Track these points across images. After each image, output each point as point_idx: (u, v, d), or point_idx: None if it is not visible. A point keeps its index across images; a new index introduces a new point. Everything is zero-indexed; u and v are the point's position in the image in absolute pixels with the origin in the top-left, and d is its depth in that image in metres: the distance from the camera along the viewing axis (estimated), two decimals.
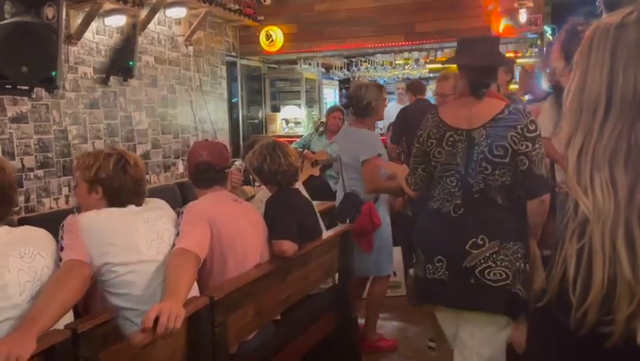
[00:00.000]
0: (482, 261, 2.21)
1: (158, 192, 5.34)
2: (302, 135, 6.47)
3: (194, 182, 2.67)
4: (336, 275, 3.34)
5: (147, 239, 2.10)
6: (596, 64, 1.16)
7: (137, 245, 2.05)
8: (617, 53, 1.14)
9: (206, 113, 6.34)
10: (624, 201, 1.09)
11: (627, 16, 1.16)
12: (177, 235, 2.22)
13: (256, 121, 8.05)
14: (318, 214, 3.34)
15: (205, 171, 2.59)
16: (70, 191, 4.48)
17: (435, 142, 2.38)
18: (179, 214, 2.35)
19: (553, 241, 1.18)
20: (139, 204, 2.19)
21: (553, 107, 3.34)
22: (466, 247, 2.23)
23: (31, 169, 4.29)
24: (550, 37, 7.59)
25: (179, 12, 5.49)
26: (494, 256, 2.21)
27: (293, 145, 5.88)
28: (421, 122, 3.39)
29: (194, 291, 2.15)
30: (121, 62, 4.03)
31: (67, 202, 4.52)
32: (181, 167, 5.88)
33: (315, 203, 4.28)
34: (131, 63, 4.11)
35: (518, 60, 7.10)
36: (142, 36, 5.25)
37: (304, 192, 3.26)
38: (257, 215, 2.66)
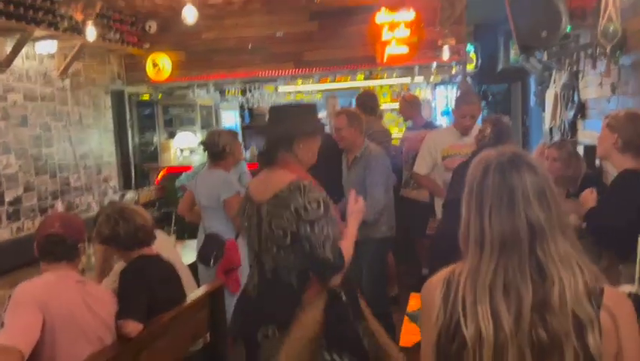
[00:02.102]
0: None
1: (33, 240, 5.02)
2: (196, 165, 6.27)
3: (41, 256, 2.49)
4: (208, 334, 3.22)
5: None
6: (470, 207, 1.33)
7: None
8: (483, 198, 1.30)
9: (89, 148, 6.01)
10: (510, 329, 1.21)
11: (489, 163, 1.33)
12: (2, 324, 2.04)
13: (151, 148, 7.74)
14: (188, 271, 3.24)
15: (55, 244, 2.43)
16: None
17: (241, 212, 2.35)
18: (9, 297, 2.17)
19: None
20: None
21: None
22: (258, 334, 2.16)
23: None
24: (474, 56, 7.84)
25: (49, 46, 5.15)
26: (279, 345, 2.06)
27: (182, 178, 5.63)
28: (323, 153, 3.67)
29: None
30: None
31: None
32: (60, 207, 5.53)
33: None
34: None
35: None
36: (7, 73, 4.89)
37: (167, 252, 3.12)
38: (103, 296, 2.49)
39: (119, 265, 2.94)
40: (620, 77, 4.14)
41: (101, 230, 2.73)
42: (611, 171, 3.66)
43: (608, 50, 3.85)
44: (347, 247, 2.17)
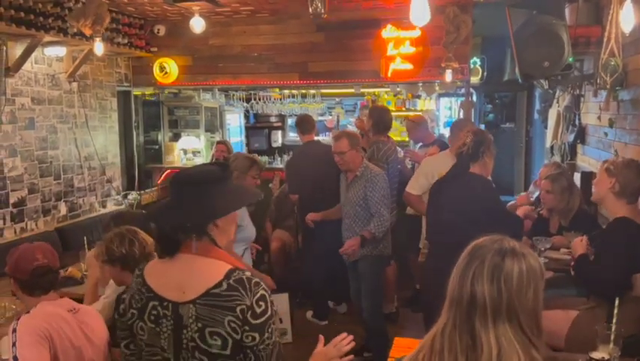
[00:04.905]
0: None
1: (36, 241, 5.10)
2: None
3: (28, 291, 2.44)
4: None
5: None
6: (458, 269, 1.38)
7: None
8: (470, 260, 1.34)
9: (94, 149, 6.09)
10: None
11: (484, 245, 1.36)
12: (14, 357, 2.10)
13: (156, 147, 7.84)
14: None
15: (42, 276, 2.41)
16: None
17: (136, 313, 1.75)
18: (13, 331, 2.22)
19: None
20: None
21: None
22: None
23: None
24: (480, 68, 7.90)
25: (58, 51, 5.22)
26: None
27: None
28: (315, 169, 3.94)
29: None
30: None
31: None
32: (63, 209, 5.63)
33: None
34: None
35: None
36: (16, 77, 4.96)
37: None
38: (95, 323, 2.55)
39: (112, 289, 2.95)
40: (618, 111, 4.19)
41: (114, 249, 2.68)
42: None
43: (608, 84, 3.89)
44: None
